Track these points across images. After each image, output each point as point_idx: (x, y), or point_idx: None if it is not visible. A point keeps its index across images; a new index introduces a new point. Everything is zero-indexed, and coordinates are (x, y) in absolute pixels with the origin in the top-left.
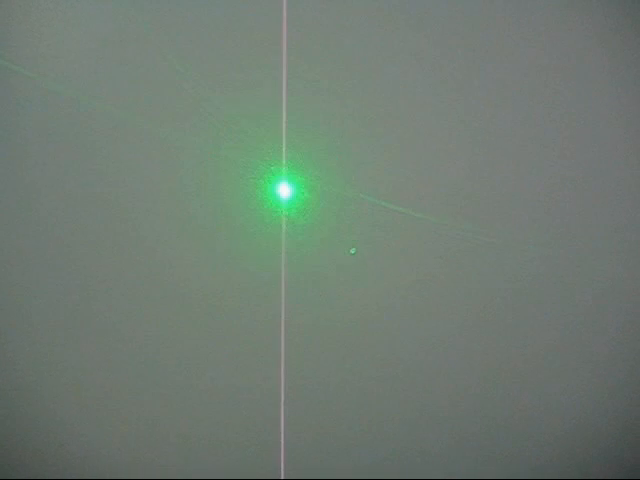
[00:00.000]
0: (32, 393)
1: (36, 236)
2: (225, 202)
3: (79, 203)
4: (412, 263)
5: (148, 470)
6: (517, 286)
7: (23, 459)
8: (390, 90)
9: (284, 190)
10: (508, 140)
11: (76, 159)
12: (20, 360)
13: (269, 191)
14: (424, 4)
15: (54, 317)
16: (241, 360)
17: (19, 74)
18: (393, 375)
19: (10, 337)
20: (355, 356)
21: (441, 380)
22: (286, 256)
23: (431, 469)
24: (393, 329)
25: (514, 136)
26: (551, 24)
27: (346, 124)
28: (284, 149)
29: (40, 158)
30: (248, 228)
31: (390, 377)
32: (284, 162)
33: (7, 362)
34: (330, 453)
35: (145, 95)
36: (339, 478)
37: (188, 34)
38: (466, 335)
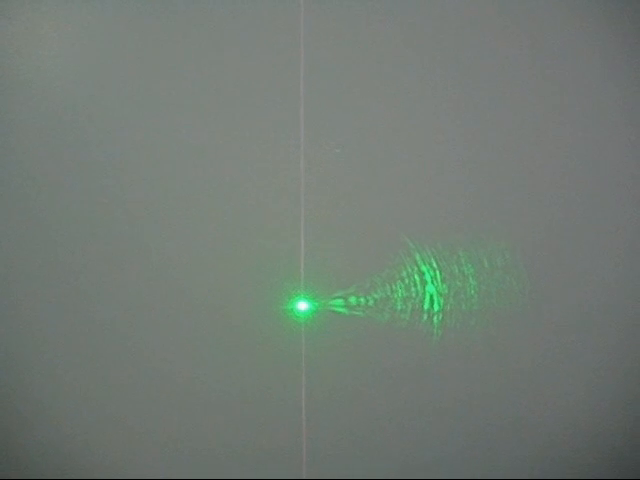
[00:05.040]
0: (31, 393)
1: (36, 237)
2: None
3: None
4: (427, 372)
5: (165, 472)
6: (516, 286)
7: (22, 459)
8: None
9: (303, 305)
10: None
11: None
12: (18, 360)
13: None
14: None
15: (53, 317)
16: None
17: (18, 74)
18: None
19: (8, 337)
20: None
21: (447, 381)
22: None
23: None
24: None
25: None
26: (552, 23)
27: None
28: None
29: (39, 163)
30: (267, 342)
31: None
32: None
33: (6, 362)
34: (353, 453)
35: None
36: (363, 478)
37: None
38: (466, 335)
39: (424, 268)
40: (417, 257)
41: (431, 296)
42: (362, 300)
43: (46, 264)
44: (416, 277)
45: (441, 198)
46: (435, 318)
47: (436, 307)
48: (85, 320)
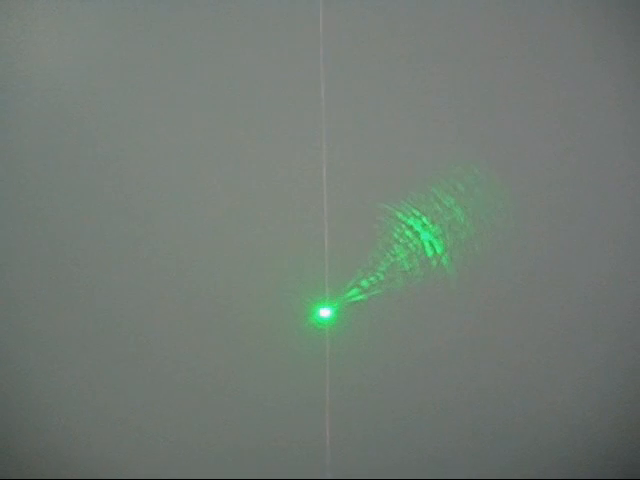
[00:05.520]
0: (32, 392)
1: (38, 236)
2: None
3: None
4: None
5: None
6: (515, 285)
7: (23, 459)
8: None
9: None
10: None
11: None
12: (20, 359)
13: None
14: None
15: (56, 319)
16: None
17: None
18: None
19: (9, 336)
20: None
21: (444, 378)
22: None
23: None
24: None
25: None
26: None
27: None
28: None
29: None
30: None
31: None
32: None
33: (7, 361)
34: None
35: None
36: (386, 478)
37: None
38: (465, 334)
39: (411, 221)
40: (399, 215)
41: (429, 242)
42: (373, 279)
43: (48, 262)
44: (407, 233)
45: (398, 152)
46: (443, 259)
47: (439, 249)
48: (102, 322)
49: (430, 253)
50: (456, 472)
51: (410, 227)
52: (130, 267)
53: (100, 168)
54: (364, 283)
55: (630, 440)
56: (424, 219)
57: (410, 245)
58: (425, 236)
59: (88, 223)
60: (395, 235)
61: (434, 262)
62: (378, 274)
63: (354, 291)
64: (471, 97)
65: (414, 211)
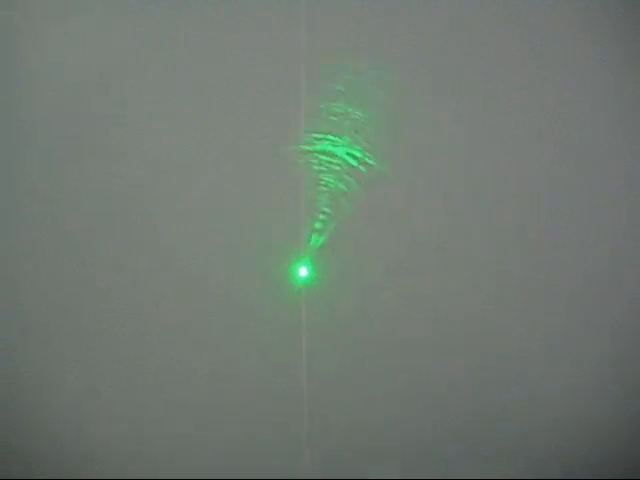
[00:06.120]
0: (35, 391)
1: (40, 235)
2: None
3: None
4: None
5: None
6: (514, 281)
7: (23, 459)
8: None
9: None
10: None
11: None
12: (21, 358)
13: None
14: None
15: (58, 315)
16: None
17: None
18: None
19: (10, 334)
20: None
21: (440, 373)
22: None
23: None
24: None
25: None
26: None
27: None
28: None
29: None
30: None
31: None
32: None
33: (8, 360)
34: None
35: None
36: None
37: None
38: (463, 329)
39: (318, 148)
40: (307, 148)
41: (347, 153)
42: (322, 216)
43: (50, 260)
44: (322, 157)
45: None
46: (368, 160)
47: (358, 153)
48: (86, 303)
49: (354, 162)
50: (442, 460)
51: (323, 152)
52: (109, 235)
53: (96, 165)
54: (317, 225)
55: (630, 438)
56: (329, 137)
57: (333, 167)
58: (340, 151)
59: (86, 217)
60: (315, 167)
61: (362, 168)
62: (323, 209)
63: (314, 237)
64: (467, 97)
65: (315, 136)
